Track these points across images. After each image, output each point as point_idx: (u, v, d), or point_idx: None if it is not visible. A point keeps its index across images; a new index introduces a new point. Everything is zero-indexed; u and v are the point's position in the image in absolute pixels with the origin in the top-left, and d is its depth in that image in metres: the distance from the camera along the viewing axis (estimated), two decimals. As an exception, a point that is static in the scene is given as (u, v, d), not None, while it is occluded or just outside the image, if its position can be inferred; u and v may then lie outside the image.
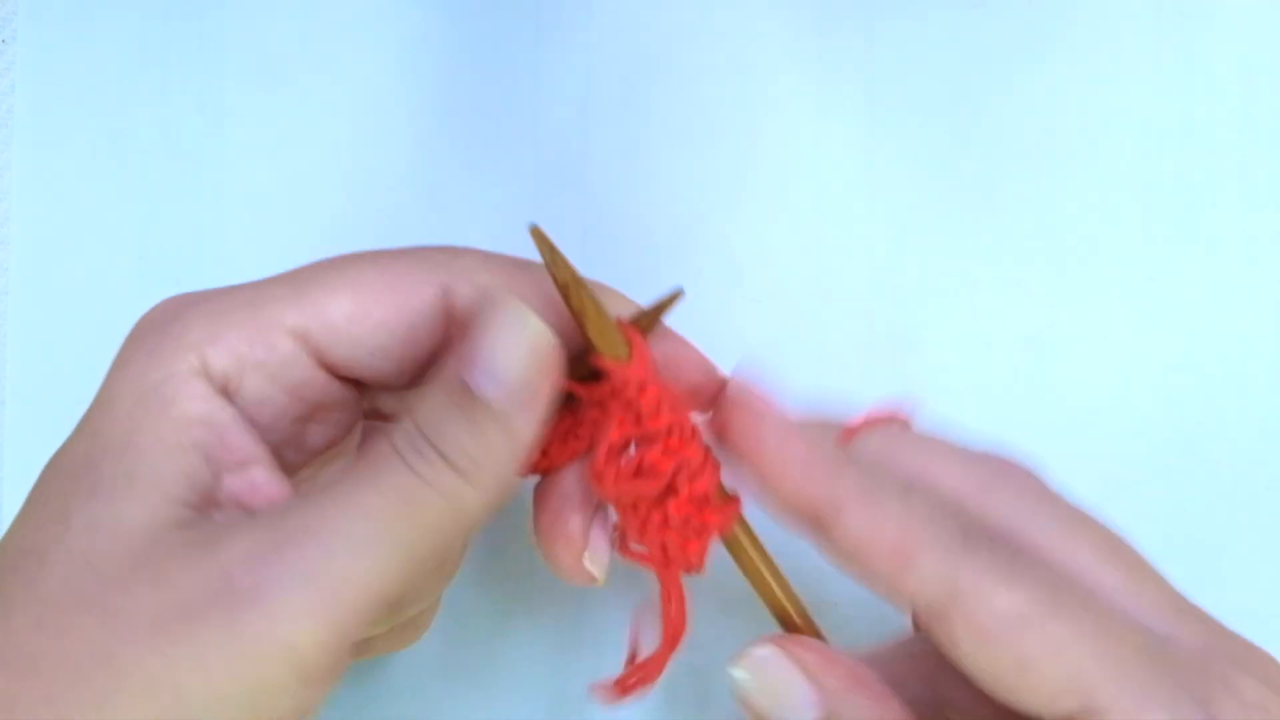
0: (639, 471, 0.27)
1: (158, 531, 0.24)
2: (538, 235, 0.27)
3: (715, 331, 0.39)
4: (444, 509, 0.25)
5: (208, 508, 0.25)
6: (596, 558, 0.29)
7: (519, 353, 0.26)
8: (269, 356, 0.27)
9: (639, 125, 0.40)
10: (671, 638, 0.29)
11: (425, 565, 0.25)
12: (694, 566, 0.29)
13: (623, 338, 0.27)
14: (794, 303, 0.39)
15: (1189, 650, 0.25)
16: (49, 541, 0.24)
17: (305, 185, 0.40)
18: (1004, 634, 0.24)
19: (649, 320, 0.29)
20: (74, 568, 0.24)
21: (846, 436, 0.29)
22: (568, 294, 0.27)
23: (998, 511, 0.27)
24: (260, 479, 0.26)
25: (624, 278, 0.39)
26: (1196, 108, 0.39)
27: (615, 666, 0.29)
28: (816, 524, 0.26)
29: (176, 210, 0.40)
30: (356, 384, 0.29)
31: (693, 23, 0.40)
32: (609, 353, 0.27)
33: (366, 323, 0.27)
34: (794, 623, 0.29)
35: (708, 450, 0.28)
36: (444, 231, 0.40)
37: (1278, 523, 0.39)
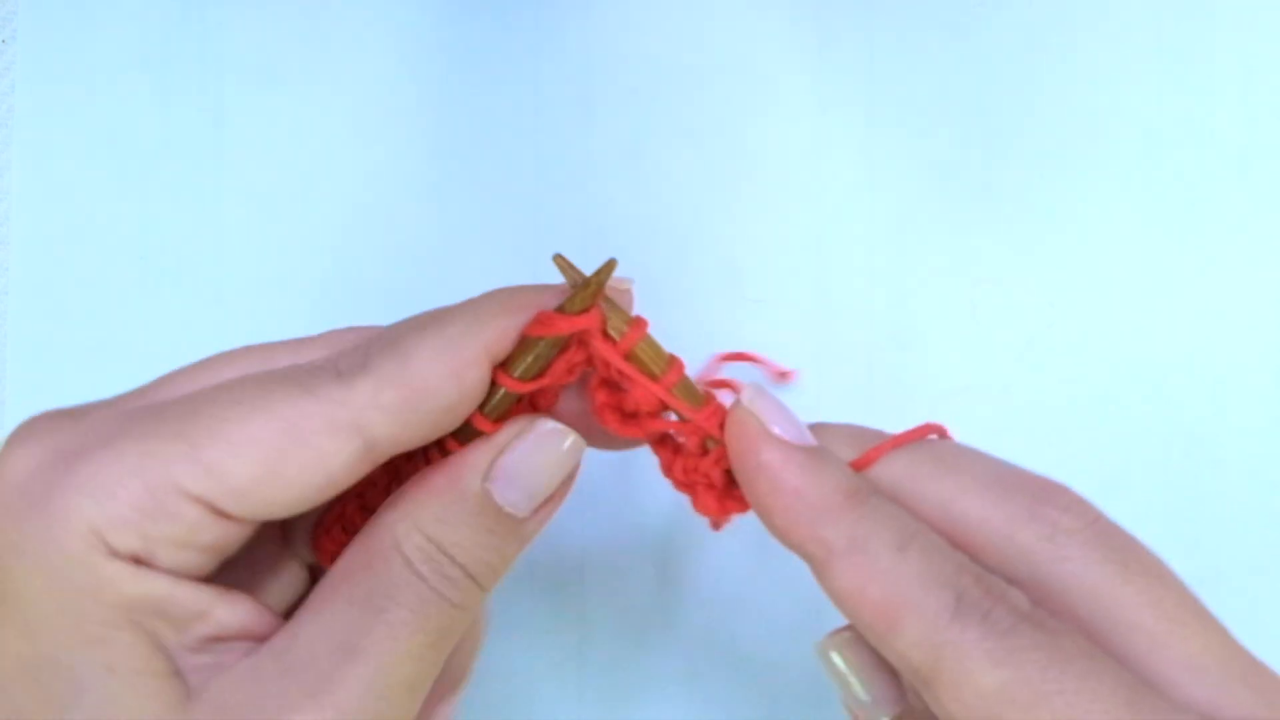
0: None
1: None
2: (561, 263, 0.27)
3: (715, 331, 0.39)
4: (467, 618, 0.26)
5: (194, 657, 0.25)
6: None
7: (552, 465, 0.26)
8: (174, 528, 0.24)
9: (639, 125, 0.40)
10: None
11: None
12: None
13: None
14: (794, 303, 0.39)
15: None
16: None
17: (305, 186, 0.40)
18: (985, 718, 0.22)
19: (587, 296, 0.26)
20: None
21: (866, 461, 0.26)
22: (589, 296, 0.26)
23: (1024, 554, 0.24)
24: (224, 617, 0.25)
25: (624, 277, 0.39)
26: (1196, 108, 0.39)
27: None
28: (808, 562, 0.25)
29: (176, 210, 0.40)
30: None
31: (693, 23, 0.40)
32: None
33: (278, 483, 0.24)
34: None
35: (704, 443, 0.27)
36: (444, 231, 0.40)
37: (1278, 523, 0.39)
